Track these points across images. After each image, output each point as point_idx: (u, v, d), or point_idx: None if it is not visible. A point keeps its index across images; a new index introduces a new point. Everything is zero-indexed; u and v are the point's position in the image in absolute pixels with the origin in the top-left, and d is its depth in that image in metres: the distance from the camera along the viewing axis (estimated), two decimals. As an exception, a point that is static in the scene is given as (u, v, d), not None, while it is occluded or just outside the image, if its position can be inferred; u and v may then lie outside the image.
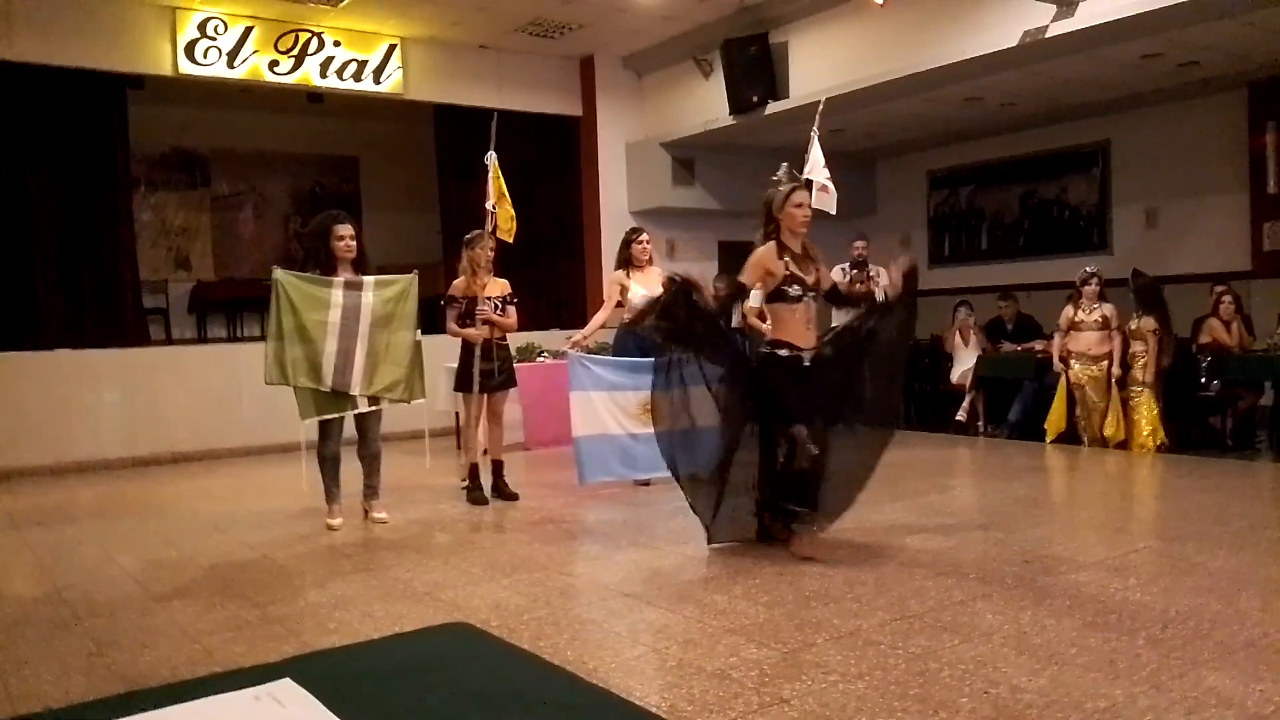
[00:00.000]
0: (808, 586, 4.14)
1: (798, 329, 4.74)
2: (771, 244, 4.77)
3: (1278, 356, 7.55)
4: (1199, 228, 9.45)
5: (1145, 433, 7.53)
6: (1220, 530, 5.01)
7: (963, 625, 3.56)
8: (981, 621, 3.60)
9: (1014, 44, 7.36)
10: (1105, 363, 7.83)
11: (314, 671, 2.50)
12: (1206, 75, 8.54)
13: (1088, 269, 8.24)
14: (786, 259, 4.74)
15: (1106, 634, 3.40)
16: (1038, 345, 8.86)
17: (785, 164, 5.06)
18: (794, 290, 4.72)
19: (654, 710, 2.87)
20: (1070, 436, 7.98)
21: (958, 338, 9.55)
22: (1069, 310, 8.14)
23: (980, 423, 9.07)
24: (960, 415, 9.18)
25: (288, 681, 2.37)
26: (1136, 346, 7.72)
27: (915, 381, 10.02)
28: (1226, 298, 7.93)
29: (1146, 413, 7.57)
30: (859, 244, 9.29)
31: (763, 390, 4.75)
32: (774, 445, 4.75)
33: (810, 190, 6.82)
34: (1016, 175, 11.01)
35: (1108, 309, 7.98)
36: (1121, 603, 3.79)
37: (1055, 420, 8.06)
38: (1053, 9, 7.03)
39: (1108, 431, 7.73)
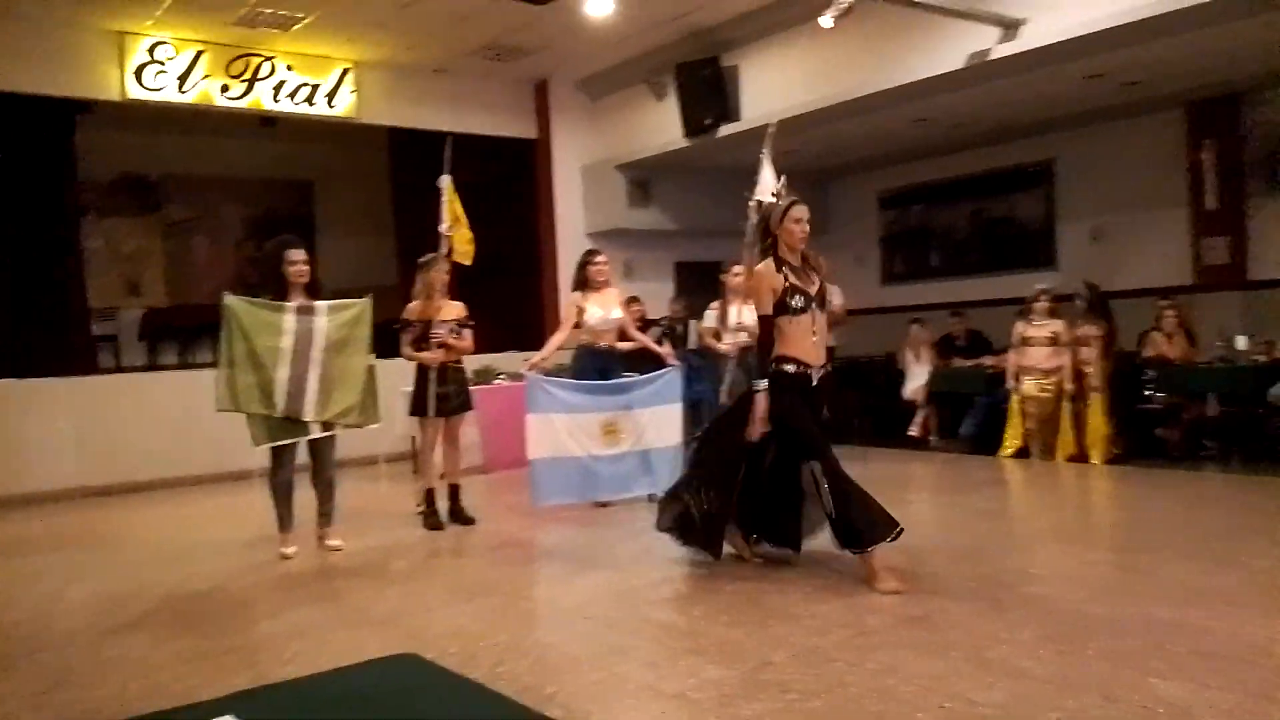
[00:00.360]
0: (768, 605, 4.16)
1: (804, 343, 4.58)
2: (769, 261, 4.64)
3: (1220, 369, 7.73)
4: (1142, 243, 9.67)
5: (1099, 438, 7.68)
6: (1170, 540, 5.11)
7: (920, 640, 3.59)
8: (939, 636, 3.63)
9: (960, 66, 7.50)
10: (1056, 377, 7.99)
11: (257, 707, 2.44)
12: (1147, 95, 8.76)
13: (1039, 286, 8.41)
14: (785, 271, 4.58)
15: (1061, 646, 3.45)
16: (988, 360, 9.01)
17: (783, 177, 5.06)
18: (797, 301, 4.55)
19: (615, 734, 2.87)
20: (1025, 450, 8.11)
21: (910, 354, 9.67)
22: (1020, 326, 8.30)
23: (933, 437, 9.17)
24: (914, 430, 9.28)
25: (229, 719, 2.32)
26: (1085, 353, 7.89)
27: (870, 396, 10.14)
28: (1169, 311, 8.12)
29: (1098, 420, 7.72)
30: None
31: (775, 417, 4.56)
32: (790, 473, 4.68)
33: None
34: (965, 194, 11.19)
35: (1058, 325, 8.15)
36: (1075, 614, 3.84)
37: (1012, 435, 8.19)
38: (997, 32, 7.19)
39: (1061, 444, 7.86)
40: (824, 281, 4.78)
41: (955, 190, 11.29)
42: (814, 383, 4.60)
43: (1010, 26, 7.12)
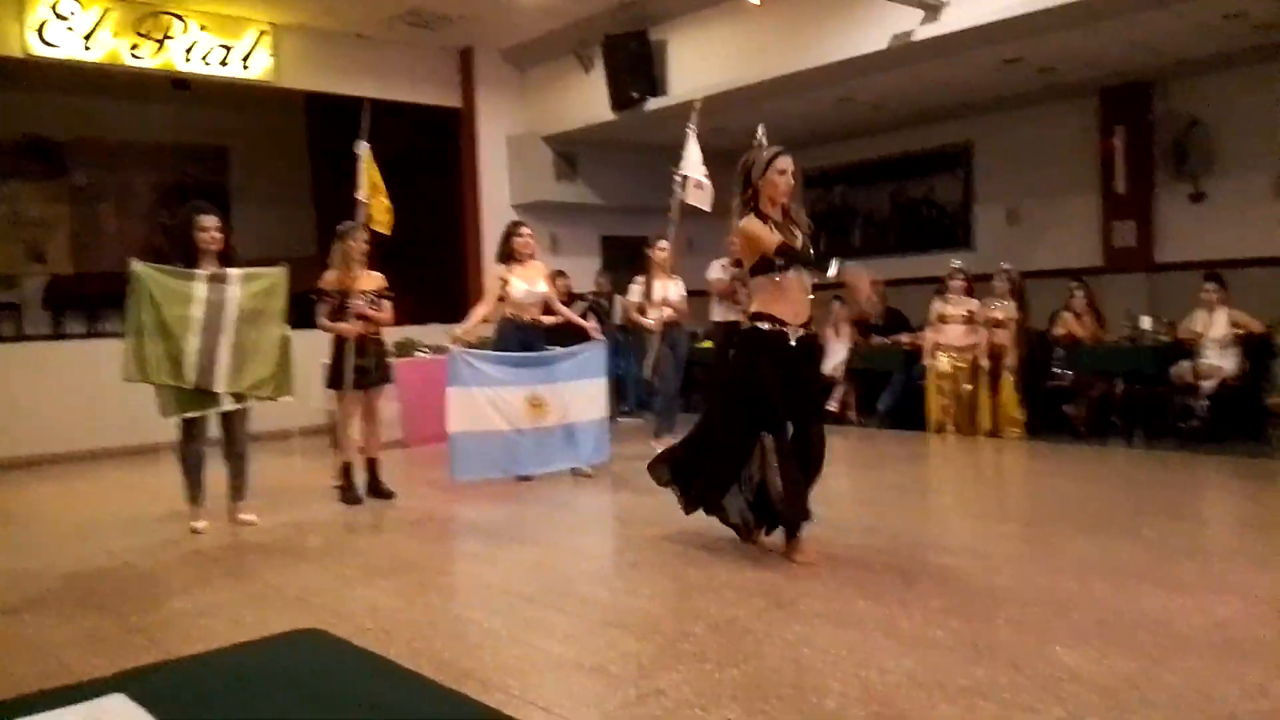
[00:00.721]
0: (689, 577, 4.19)
1: (785, 301, 4.30)
2: (752, 216, 4.34)
3: (1126, 348, 8.01)
4: (1056, 225, 9.94)
5: (1011, 415, 7.93)
6: (1075, 514, 5.29)
7: (835, 611, 3.66)
8: (853, 607, 3.70)
9: (883, 47, 7.60)
10: (971, 354, 8.20)
11: (149, 686, 2.35)
12: (1062, 81, 8.98)
13: (954, 264, 8.62)
14: (770, 227, 4.32)
15: (970, 616, 3.54)
16: (905, 338, 9.18)
17: (761, 125, 4.79)
18: (780, 259, 4.28)
19: (534, 706, 2.86)
20: (942, 426, 8.31)
21: (830, 331, 9.80)
22: (937, 305, 8.49)
23: (851, 413, 9.34)
24: (832, 406, 9.42)
25: (120, 697, 2.23)
26: (1001, 335, 8.11)
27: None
28: (1079, 292, 8.36)
29: (1010, 398, 7.95)
30: (737, 240, 9.42)
31: (738, 380, 4.38)
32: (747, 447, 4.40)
33: (685, 186, 6.94)
34: (886, 175, 11.35)
35: (973, 304, 8.36)
36: (984, 586, 3.96)
37: (932, 411, 8.38)
38: (920, 14, 7.28)
39: (977, 420, 8.08)
40: (807, 237, 4.49)
41: (877, 171, 11.44)
42: (792, 343, 4.31)
43: (932, 9, 7.22)
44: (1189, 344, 7.58)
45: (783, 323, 4.30)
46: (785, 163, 4.39)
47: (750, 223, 4.34)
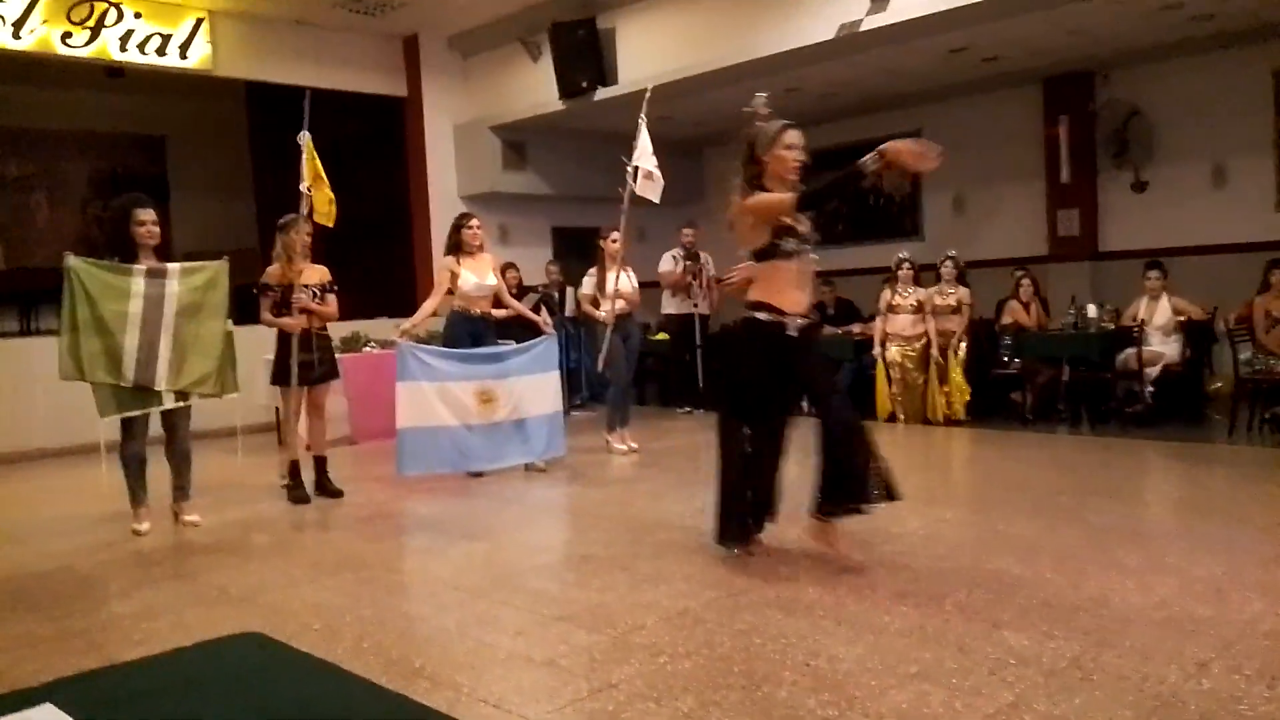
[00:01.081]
0: (640, 570, 4.17)
1: (787, 289, 4.01)
2: (758, 193, 4.05)
3: (1071, 335, 8.13)
4: (1001, 214, 10.07)
5: (960, 403, 8.03)
6: (1021, 499, 5.36)
7: (786, 600, 3.67)
8: (804, 594, 3.71)
9: (831, 36, 7.62)
10: (920, 343, 8.28)
11: (80, 694, 2.27)
12: (1007, 69, 9.09)
13: (901, 255, 8.69)
14: None
15: (917, 601, 3.57)
16: (855, 328, 9.24)
17: (761, 94, 4.49)
18: (788, 244, 3.98)
19: (484, 703, 2.83)
20: (894, 415, 8.38)
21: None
22: (886, 294, 8.55)
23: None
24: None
25: (48, 707, 2.15)
26: (953, 322, 8.20)
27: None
28: (1025, 280, 8.48)
29: (959, 385, 8.05)
30: (688, 231, 9.44)
31: (725, 373, 4.10)
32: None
33: (636, 177, 6.90)
34: (836, 164, 11.08)
35: (921, 293, 8.44)
36: (931, 570, 3.99)
37: (881, 400, 8.45)
38: (866, 3, 7.31)
39: (928, 408, 8.16)
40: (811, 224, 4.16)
41: (826, 160, 11.20)
42: (792, 333, 4.04)
43: (879, -1, 7.26)
44: (1133, 331, 7.72)
45: (782, 312, 4.01)
46: (794, 136, 4.08)
47: (757, 197, 4.01)
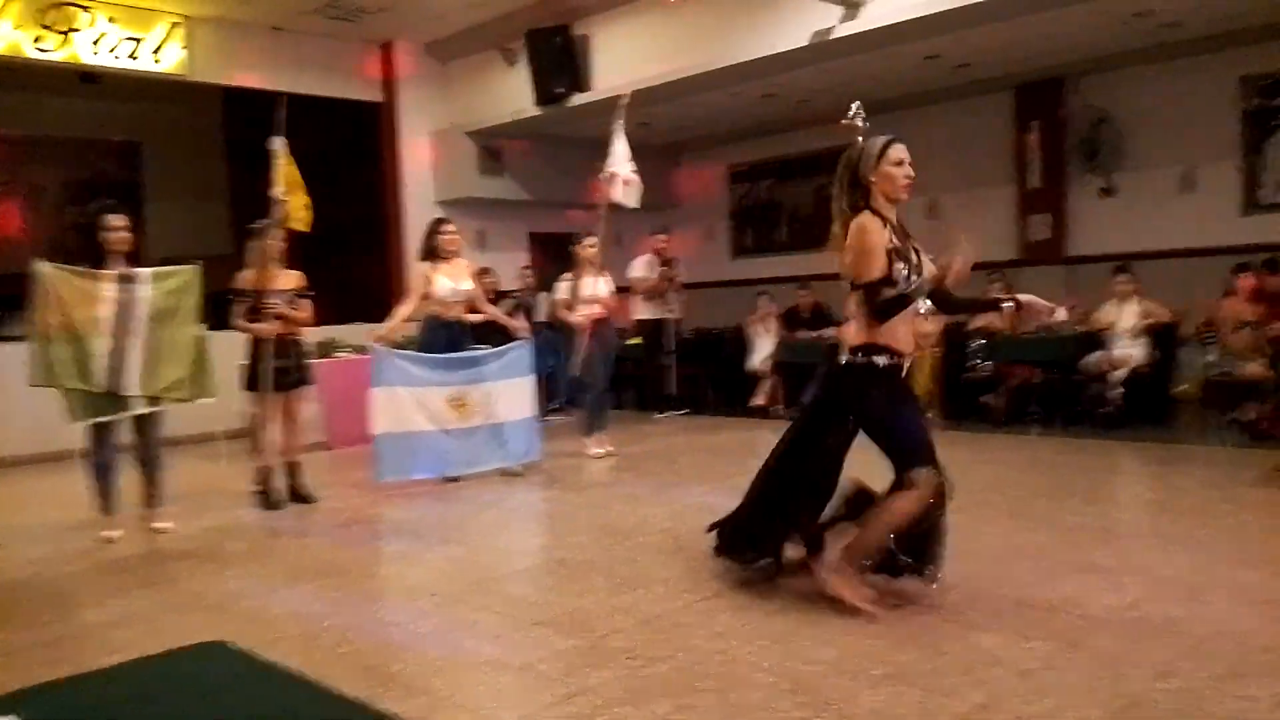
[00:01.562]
0: (617, 574, 4.18)
1: (902, 326, 3.56)
2: (869, 215, 3.53)
3: (1042, 339, 8.21)
4: (974, 219, 10.12)
5: (925, 398, 8.10)
6: (996, 500, 5.41)
7: (760, 603, 3.68)
8: (776, 599, 3.73)
9: (805, 43, 7.67)
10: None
11: (45, 706, 2.24)
12: (979, 76, 9.19)
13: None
14: (888, 234, 3.54)
15: (890, 603, 3.60)
16: (829, 332, 9.28)
17: (857, 103, 4.09)
18: (901, 271, 3.52)
19: (461, 708, 2.83)
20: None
21: (759, 326, 9.89)
22: (860, 298, 8.58)
23: (778, 407, 9.43)
24: (760, 400, 9.51)
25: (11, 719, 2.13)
26: (926, 325, 8.24)
27: (718, 368, 10.38)
28: (998, 284, 8.53)
29: (927, 380, 8.11)
30: (661, 237, 9.49)
31: (867, 421, 3.63)
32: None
33: (613, 182, 6.93)
34: (812, 170, 11.44)
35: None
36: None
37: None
38: (840, 11, 7.37)
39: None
40: (921, 252, 3.69)
41: (802, 166, 11.56)
42: (905, 374, 3.66)
43: (852, 6, 7.31)
44: (1101, 334, 7.80)
45: (899, 354, 3.57)
46: (901, 151, 3.61)
47: (869, 224, 3.50)
